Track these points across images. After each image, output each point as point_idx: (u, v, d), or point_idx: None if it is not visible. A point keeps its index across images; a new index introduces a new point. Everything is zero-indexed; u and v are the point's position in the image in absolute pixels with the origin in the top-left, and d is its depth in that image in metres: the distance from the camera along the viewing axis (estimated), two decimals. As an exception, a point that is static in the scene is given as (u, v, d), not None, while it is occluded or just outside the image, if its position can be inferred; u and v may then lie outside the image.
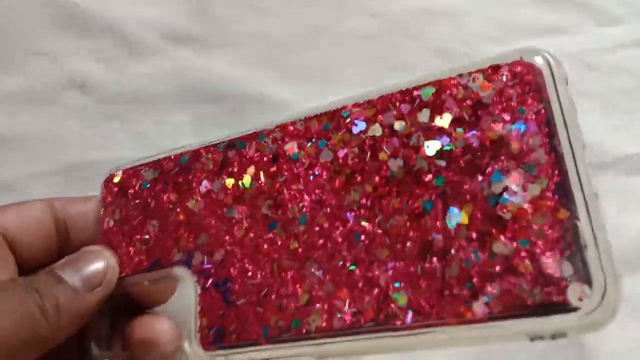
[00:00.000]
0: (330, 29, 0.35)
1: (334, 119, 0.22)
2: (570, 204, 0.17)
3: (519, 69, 0.19)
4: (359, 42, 0.35)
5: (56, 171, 0.33)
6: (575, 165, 0.17)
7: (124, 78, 0.35)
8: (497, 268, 0.17)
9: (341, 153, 0.21)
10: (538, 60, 0.18)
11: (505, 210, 0.17)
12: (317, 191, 0.21)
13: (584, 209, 0.16)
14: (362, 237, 0.20)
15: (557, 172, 0.17)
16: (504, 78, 0.19)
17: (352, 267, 0.19)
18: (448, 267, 0.18)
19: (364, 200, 0.20)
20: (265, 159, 0.23)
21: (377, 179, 0.20)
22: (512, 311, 0.16)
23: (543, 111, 0.18)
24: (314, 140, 0.22)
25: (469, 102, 0.19)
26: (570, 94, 0.18)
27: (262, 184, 0.22)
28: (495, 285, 0.17)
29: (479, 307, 0.17)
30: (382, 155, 0.20)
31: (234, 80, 0.34)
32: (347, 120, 0.21)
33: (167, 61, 0.35)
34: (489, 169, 0.18)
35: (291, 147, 0.22)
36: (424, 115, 0.20)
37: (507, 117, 0.18)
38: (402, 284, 0.18)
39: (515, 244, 0.17)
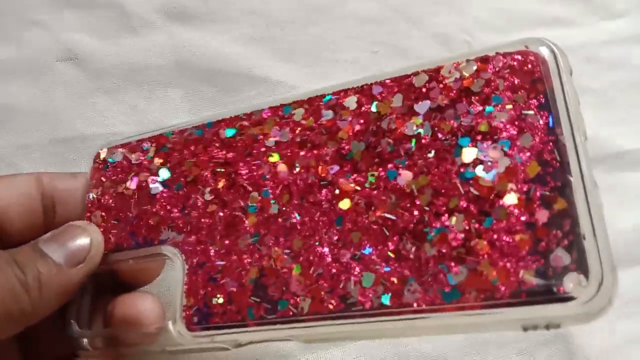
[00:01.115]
0: (331, 11, 0.34)
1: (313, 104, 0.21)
2: (570, 194, 0.16)
3: (524, 57, 0.18)
4: (359, 25, 0.34)
5: (45, 144, 0.32)
6: (577, 155, 0.17)
7: (118, 52, 0.34)
8: (493, 255, 0.16)
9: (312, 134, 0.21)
10: (543, 51, 0.18)
11: (503, 196, 0.17)
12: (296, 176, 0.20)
13: (583, 199, 0.16)
14: (343, 220, 0.19)
15: (558, 161, 0.17)
16: (509, 65, 0.18)
17: (335, 251, 0.19)
18: (443, 252, 0.17)
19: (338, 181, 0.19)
20: (250, 142, 0.22)
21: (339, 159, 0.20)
22: (506, 299, 0.16)
23: (547, 100, 0.17)
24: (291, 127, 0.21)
25: (469, 87, 0.19)
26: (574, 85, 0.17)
27: (249, 166, 0.21)
28: (490, 271, 0.16)
29: (472, 293, 0.16)
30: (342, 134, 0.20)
31: (231, 58, 0.33)
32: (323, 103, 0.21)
33: (163, 36, 0.34)
34: (488, 154, 0.18)
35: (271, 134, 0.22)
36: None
37: (509, 104, 0.18)
38: (391, 268, 0.18)
39: (512, 232, 0.16)
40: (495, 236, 0.17)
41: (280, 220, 0.20)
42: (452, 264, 0.17)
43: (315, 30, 0.34)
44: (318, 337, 0.19)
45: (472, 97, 0.19)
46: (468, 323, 0.16)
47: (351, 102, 0.21)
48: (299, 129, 0.21)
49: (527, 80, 0.18)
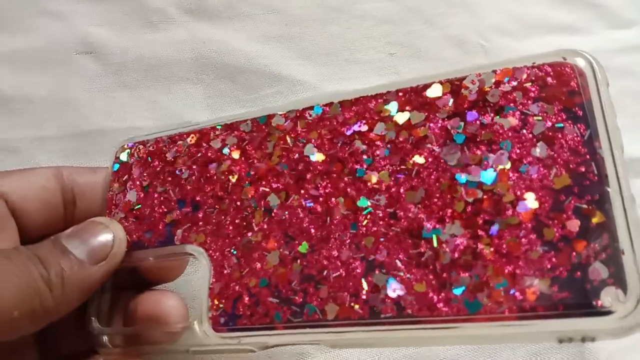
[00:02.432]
0: (349, 10, 0.34)
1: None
2: (608, 207, 0.16)
3: (560, 68, 0.18)
4: (376, 25, 0.34)
5: (64, 138, 0.31)
6: (615, 168, 0.16)
7: (137, 46, 0.33)
8: (529, 266, 0.16)
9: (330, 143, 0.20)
10: (580, 62, 0.18)
11: (533, 207, 0.16)
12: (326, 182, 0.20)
13: (621, 213, 0.16)
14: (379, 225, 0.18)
15: (595, 174, 0.16)
16: (545, 77, 0.18)
17: (371, 257, 0.18)
18: (477, 262, 0.17)
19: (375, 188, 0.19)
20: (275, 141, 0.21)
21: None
22: (542, 311, 0.15)
23: (584, 112, 0.17)
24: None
25: (512, 99, 0.18)
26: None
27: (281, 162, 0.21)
28: (526, 283, 0.16)
29: (509, 304, 0.16)
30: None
31: (250, 55, 0.32)
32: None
33: (182, 32, 0.33)
34: (531, 169, 0.17)
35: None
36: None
37: (550, 118, 0.17)
38: (422, 276, 0.17)
39: (550, 245, 0.16)
40: (531, 248, 0.16)
41: (307, 224, 0.19)
42: (488, 274, 0.16)
43: (333, 29, 0.33)
44: (345, 343, 0.18)
45: (504, 108, 0.18)
46: (502, 334, 0.16)
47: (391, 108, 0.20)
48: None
49: (563, 91, 0.17)
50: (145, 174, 0.23)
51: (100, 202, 0.24)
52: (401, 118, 0.20)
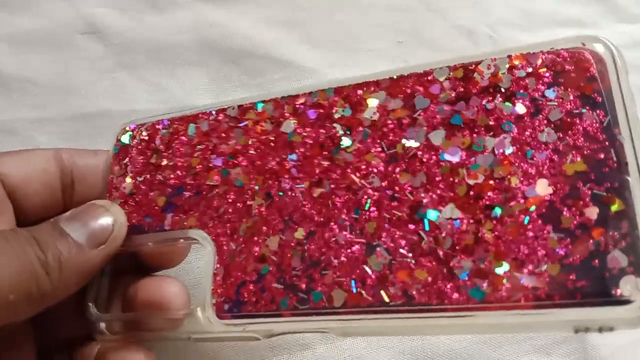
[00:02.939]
0: (357, -2, 0.33)
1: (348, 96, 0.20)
2: (628, 195, 0.15)
3: (580, 55, 0.17)
4: (384, 12, 0.33)
5: (64, 119, 0.30)
6: (636, 156, 0.16)
7: (140, 28, 0.32)
8: (549, 255, 0.16)
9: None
10: (599, 48, 0.17)
11: (564, 206, 0.16)
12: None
13: None
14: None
15: (614, 161, 0.16)
16: (564, 64, 0.17)
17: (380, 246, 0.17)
18: (491, 249, 0.16)
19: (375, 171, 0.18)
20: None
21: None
22: (559, 299, 0.15)
23: (604, 100, 0.17)
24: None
25: (524, 85, 0.18)
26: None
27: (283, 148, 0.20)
28: (545, 271, 0.15)
29: (524, 292, 0.15)
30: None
31: (256, 39, 0.31)
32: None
33: (188, 14, 0.32)
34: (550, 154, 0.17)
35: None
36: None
37: (567, 103, 0.17)
38: (434, 263, 0.17)
39: (566, 233, 0.15)
40: (546, 235, 0.16)
41: (314, 210, 0.19)
42: (503, 261, 0.16)
43: (341, 16, 0.33)
44: (355, 331, 0.18)
45: (515, 93, 0.18)
46: (517, 323, 0.16)
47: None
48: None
49: (582, 78, 0.17)
50: (146, 157, 0.23)
51: (101, 185, 0.23)
52: (393, 104, 0.19)
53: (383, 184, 0.18)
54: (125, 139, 0.24)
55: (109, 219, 0.20)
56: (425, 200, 0.17)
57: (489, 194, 0.17)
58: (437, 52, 0.32)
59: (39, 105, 0.30)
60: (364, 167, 0.19)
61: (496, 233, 0.16)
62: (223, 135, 0.21)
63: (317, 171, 0.19)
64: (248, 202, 0.20)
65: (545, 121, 0.17)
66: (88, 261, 0.19)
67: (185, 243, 0.21)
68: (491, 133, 0.17)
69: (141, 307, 0.21)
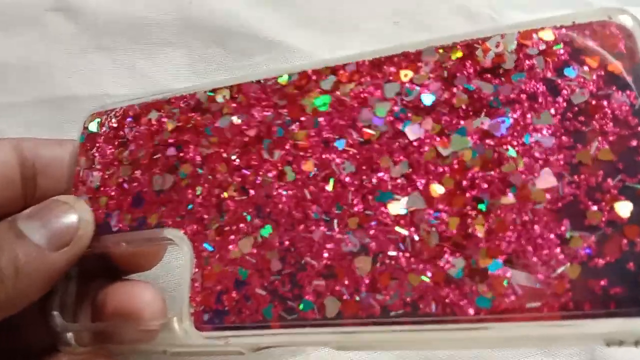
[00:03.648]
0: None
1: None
2: None
3: (605, 29, 0.15)
4: (379, -8, 0.30)
5: (31, 104, 0.28)
6: None
7: (115, 5, 0.29)
8: (574, 257, 0.14)
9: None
10: (627, 22, 0.15)
11: (588, 199, 0.14)
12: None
13: None
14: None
15: None
16: (587, 39, 0.15)
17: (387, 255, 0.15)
18: (510, 252, 0.14)
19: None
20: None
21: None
22: (589, 309, 0.13)
23: (634, 78, 0.15)
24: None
25: (550, 59, 0.16)
26: None
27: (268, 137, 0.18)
28: (575, 280, 0.13)
29: (549, 301, 0.13)
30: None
31: (241, 18, 0.29)
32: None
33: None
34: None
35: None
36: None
37: (590, 84, 0.15)
38: (443, 268, 0.14)
39: (593, 230, 0.14)
40: (564, 232, 0.14)
41: (291, 205, 0.17)
42: (519, 264, 0.14)
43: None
44: (352, 345, 0.15)
45: (538, 71, 0.16)
46: (541, 336, 0.14)
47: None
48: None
49: (609, 55, 0.15)
50: (115, 147, 0.20)
51: (66, 179, 0.21)
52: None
53: (361, 173, 0.16)
54: (93, 126, 0.21)
55: (73, 217, 0.18)
56: (413, 191, 0.15)
57: (484, 185, 0.15)
58: (435, 34, 0.30)
59: (4, 90, 0.28)
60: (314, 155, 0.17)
61: (493, 228, 0.14)
62: (193, 123, 0.19)
63: (290, 159, 0.17)
64: (223, 197, 0.18)
65: (565, 104, 0.15)
66: (50, 265, 0.17)
67: (160, 244, 0.18)
68: (491, 114, 0.15)
69: (111, 317, 0.19)
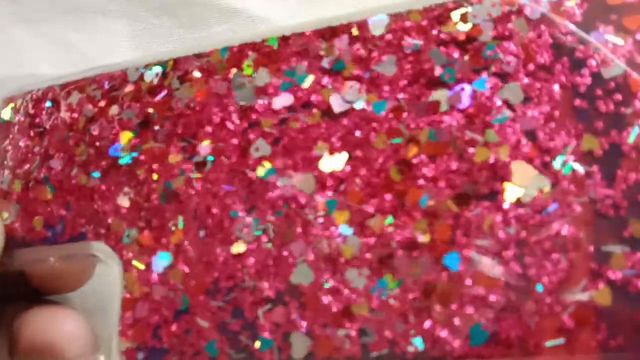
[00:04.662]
0: None
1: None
2: None
3: None
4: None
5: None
6: None
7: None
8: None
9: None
10: None
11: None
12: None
13: None
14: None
15: None
16: None
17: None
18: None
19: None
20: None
21: None
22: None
23: None
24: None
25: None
26: None
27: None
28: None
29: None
30: None
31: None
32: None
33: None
34: None
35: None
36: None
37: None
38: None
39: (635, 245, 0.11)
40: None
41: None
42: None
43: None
44: None
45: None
46: None
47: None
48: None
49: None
50: (31, 139, 0.16)
51: (-26, 178, 0.17)
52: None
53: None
54: (6, 114, 0.17)
55: None
56: None
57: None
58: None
59: None
60: None
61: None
62: (121, 108, 0.15)
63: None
64: (154, 201, 0.14)
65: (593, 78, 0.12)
66: None
67: (86, 260, 0.15)
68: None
69: (25, 351, 0.15)
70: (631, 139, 0.11)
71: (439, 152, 0.12)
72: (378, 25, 0.13)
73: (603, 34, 0.12)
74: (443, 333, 0.11)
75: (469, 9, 0.13)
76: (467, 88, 0.12)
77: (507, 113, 0.12)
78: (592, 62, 0.12)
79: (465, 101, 0.12)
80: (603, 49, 0.12)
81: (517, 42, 0.12)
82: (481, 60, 0.12)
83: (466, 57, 0.12)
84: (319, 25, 0.14)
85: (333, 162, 0.13)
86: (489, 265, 0.11)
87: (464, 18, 0.13)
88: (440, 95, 0.12)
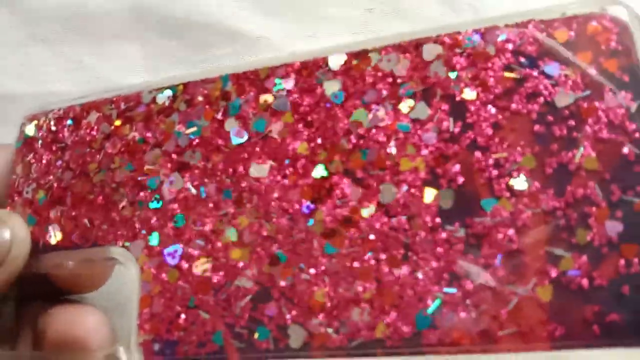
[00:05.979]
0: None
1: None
2: None
3: (599, 22, 0.14)
4: (352, -23, 0.29)
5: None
6: None
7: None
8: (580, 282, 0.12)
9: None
10: (622, 14, 0.14)
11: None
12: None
13: None
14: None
15: None
16: (582, 32, 0.14)
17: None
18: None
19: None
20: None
21: None
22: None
23: (631, 77, 0.13)
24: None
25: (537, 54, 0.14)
26: None
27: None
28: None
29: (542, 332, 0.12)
30: None
31: (202, 6, 0.27)
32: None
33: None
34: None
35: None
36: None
37: (579, 81, 0.14)
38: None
39: (581, 250, 0.12)
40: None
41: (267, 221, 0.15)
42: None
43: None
44: None
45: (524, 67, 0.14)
46: None
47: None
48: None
49: (602, 51, 0.13)
50: (53, 154, 0.18)
51: (1, 189, 0.18)
52: None
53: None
54: (30, 130, 0.19)
55: (5, 234, 0.16)
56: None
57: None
58: (410, 21, 0.28)
59: None
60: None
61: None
62: (137, 127, 0.17)
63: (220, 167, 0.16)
64: (188, 208, 0.16)
65: (547, 106, 0.13)
66: None
67: (104, 263, 0.16)
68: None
69: (52, 345, 0.17)
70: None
71: None
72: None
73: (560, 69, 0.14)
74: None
75: None
76: None
77: None
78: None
79: None
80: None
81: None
82: None
83: None
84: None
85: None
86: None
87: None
88: None
